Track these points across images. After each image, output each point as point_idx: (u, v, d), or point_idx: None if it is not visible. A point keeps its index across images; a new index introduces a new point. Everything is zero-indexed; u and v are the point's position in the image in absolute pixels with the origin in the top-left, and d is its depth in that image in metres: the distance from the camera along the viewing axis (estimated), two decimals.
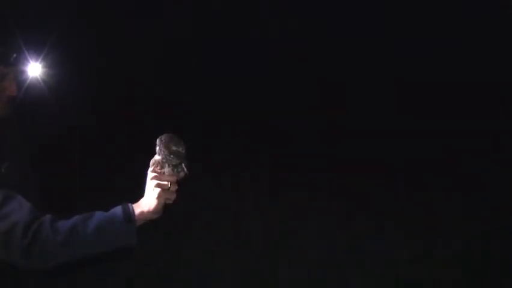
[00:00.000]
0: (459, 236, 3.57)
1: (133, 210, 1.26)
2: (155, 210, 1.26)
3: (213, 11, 5.39)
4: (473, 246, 3.45)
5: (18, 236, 1.17)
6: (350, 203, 4.07)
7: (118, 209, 1.26)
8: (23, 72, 1.60)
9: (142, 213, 1.26)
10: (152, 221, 1.29)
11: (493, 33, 5.19)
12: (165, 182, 1.26)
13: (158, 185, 1.26)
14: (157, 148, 1.27)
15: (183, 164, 1.28)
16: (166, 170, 1.27)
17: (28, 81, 1.57)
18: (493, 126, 4.87)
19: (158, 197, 1.25)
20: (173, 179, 1.28)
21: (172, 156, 1.26)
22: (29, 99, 1.58)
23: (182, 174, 1.29)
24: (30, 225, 1.19)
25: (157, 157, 1.28)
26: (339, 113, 5.34)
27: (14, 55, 1.45)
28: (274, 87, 5.64)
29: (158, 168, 1.27)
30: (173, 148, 1.26)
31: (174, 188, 1.28)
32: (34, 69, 1.63)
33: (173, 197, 1.28)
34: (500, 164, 4.38)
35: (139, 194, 1.31)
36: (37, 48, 1.55)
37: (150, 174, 1.28)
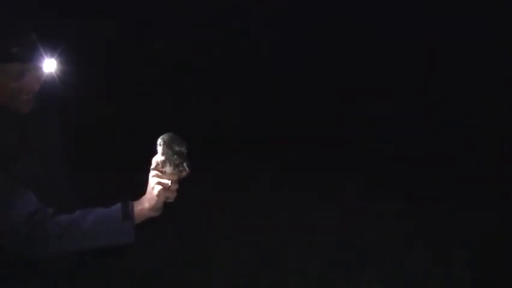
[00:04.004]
0: (471, 240, 3.50)
1: (133, 207, 1.30)
2: (154, 208, 1.30)
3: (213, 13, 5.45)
4: (486, 250, 3.39)
5: (20, 225, 1.23)
6: (356, 205, 4.04)
7: (117, 206, 1.30)
8: (40, 68, 1.62)
9: (142, 210, 1.30)
10: (151, 219, 1.33)
11: (493, 33, 5.19)
12: (166, 181, 1.29)
13: (159, 184, 1.29)
14: (159, 148, 1.30)
15: (184, 164, 1.31)
16: (168, 169, 1.30)
17: (45, 77, 1.61)
18: (494, 127, 4.85)
19: (159, 195, 1.29)
20: (175, 177, 1.30)
21: (175, 156, 1.29)
22: (46, 96, 1.61)
23: (184, 173, 1.32)
24: (32, 215, 1.24)
25: (159, 156, 1.30)
26: (342, 112, 5.35)
27: (32, 51, 1.46)
28: (274, 87, 5.66)
29: (160, 167, 1.30)
30: (177, 148, 1.30)
31: (175, 186, 1.31)
32: (50, 65, 1.64)
33: (173, 195, 1.31)
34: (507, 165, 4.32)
35: (140, 192, 1.34)
36: (54, 44, 1.59)
37: (152, 172, 1.31)
